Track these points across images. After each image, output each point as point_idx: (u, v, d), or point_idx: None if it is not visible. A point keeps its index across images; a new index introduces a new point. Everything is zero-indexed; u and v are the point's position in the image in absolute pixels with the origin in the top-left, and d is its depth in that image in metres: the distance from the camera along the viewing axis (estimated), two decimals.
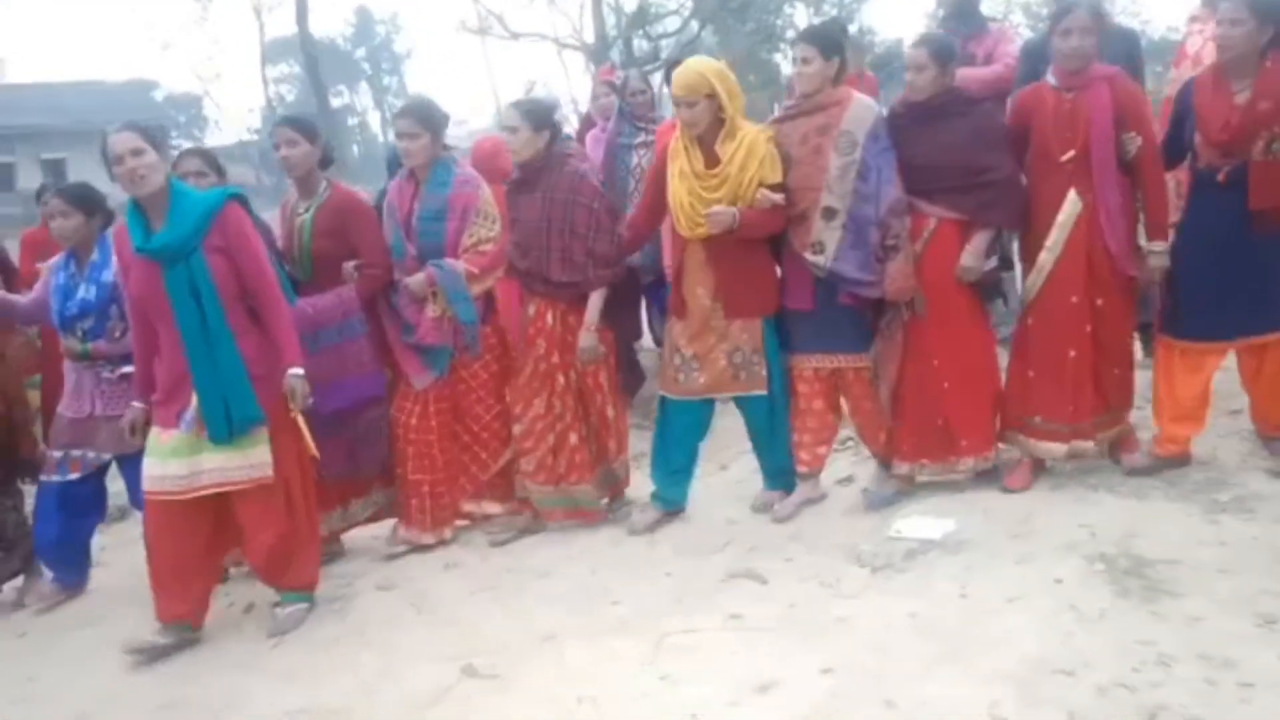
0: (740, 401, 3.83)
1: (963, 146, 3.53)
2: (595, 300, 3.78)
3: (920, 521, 3.61)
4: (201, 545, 3.37)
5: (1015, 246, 3.98)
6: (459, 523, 4.07)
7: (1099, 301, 3.56)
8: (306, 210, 3.80)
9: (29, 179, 26.09)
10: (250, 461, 3.26)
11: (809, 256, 3.58)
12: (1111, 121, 3.45)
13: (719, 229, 3.52)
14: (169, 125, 38.12)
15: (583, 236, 3.73)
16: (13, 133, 28.82)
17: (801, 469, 3.88)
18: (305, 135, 3.79)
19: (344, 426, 3.76)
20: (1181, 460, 3.73)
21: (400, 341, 3.80)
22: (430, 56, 79.11)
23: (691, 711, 2.63)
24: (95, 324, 3.76)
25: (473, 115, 45.70)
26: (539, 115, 3.80)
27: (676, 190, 3.62)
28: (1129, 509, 3.50)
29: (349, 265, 3.78)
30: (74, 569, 3.99)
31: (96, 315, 3.77)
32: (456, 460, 3.94)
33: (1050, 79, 3.60)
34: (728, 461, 4.65)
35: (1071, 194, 3.50)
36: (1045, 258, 3.56)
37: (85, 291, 3.77)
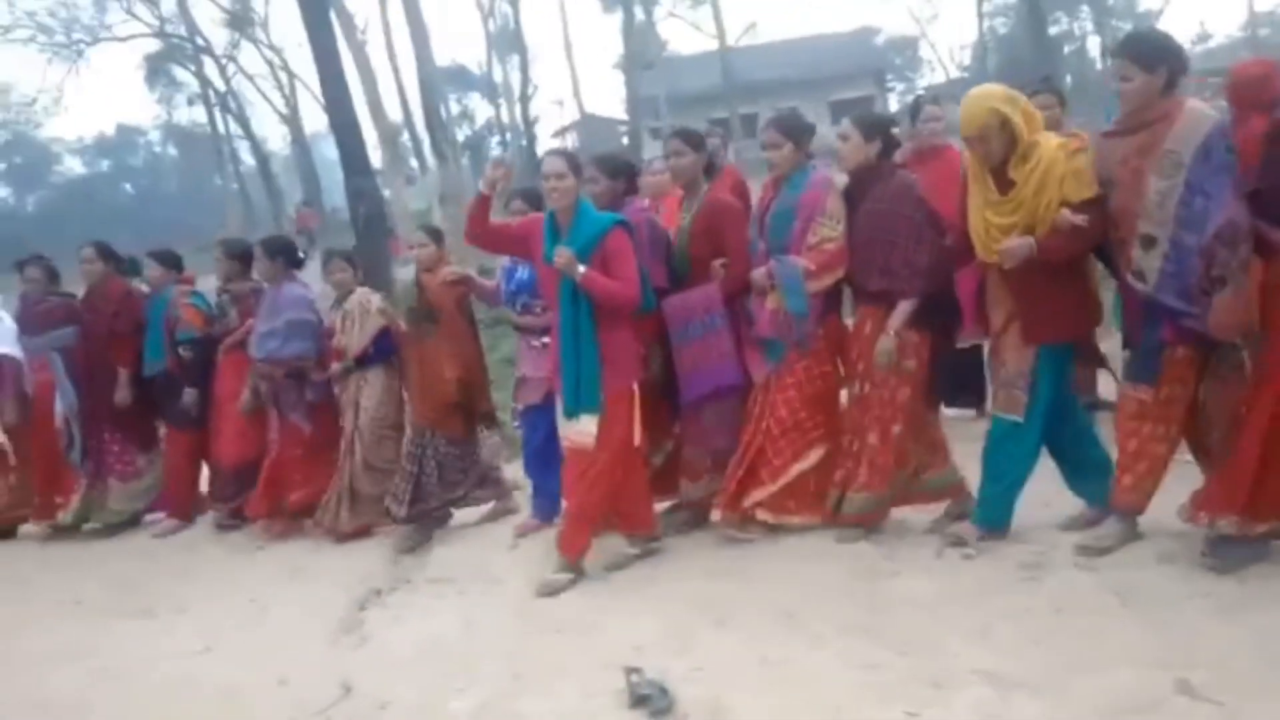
0: (994, 422, 3.68)
1: None
2: (903, 307, 3.70)
3: None
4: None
5: None
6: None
7: None
8: (686, 213, 4.12)
9: None
10: (581, 429, 3.80)
11: (1132, 282, 3.29)
12: None
13: (1014, 262, 3.36)
14: (886, 69, 40.24)
15: (902, 247, 3.69)
16: (757, 87, 33.07)
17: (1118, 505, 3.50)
18: (691, 145, 4.13)
19: (702, 412, 4.08)
20: None
21: (747, 334, 3.94)
22: None
23: None
24: (527, 300, 4.46)
25: (1220, 26, 39.54)
26: (871, 124, 3.81)
27: (973, 216, 3.52)
28: None
29: (716, 264, 4.01)
30: (547, 503, 4.56)
31: (529, 293, 4.44)
32: (762, 450, 3.92)
33: None
34: None
35: None
36: None
37: (521, 271, 4.45)
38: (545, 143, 39.99)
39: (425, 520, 4.75)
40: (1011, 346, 3.54)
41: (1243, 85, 3.86)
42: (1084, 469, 3.73)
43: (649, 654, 3.21)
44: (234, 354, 5.35)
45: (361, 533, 4.92)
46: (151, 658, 3.86)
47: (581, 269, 3.69)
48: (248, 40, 35.25)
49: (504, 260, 4.80)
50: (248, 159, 38.93)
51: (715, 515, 4.18)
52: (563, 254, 3.68)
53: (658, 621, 3.49)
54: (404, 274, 5.08)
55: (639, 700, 2.92)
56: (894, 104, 33.92)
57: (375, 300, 4.92)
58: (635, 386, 3.86)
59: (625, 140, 32.37)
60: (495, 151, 41.65)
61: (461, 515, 4.98)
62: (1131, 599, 3.16)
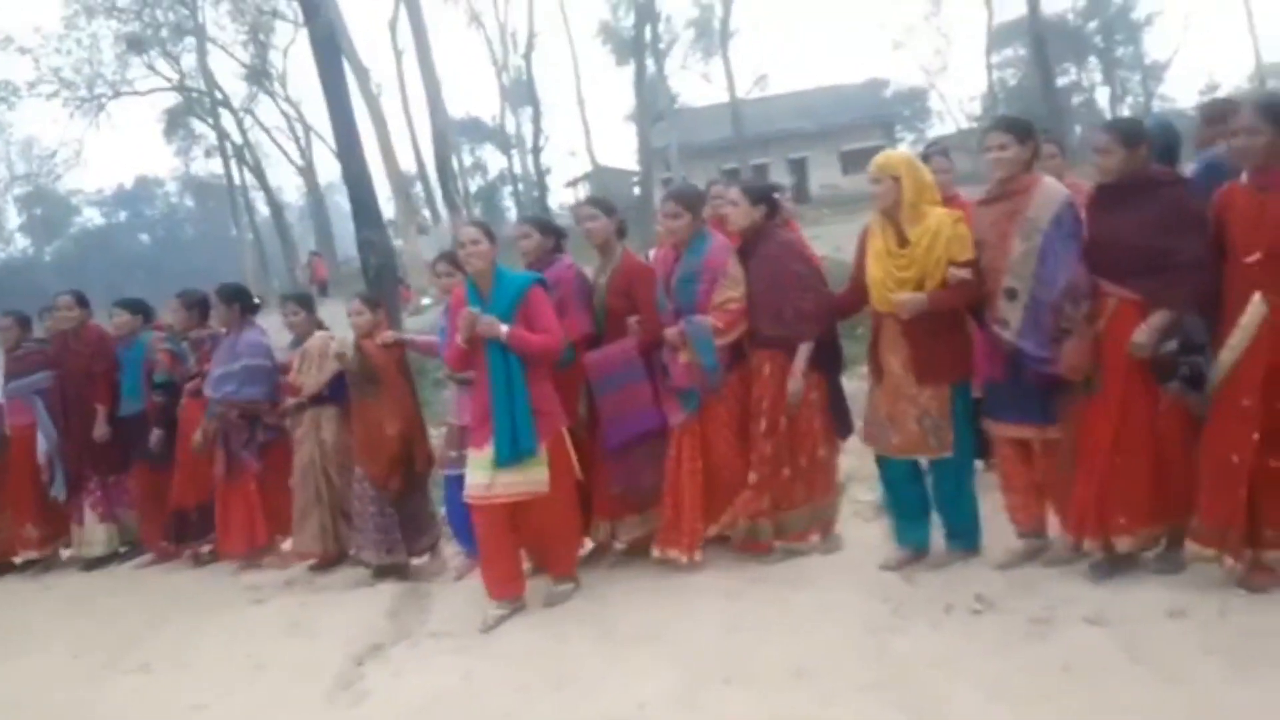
0: (931, 463, 4.03)
1: (1148, 228, 3.46)
2: (802, 350, 4.14)
3: None
4: (510, 536, 4.17)
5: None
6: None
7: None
8: (603, 274, 4.49)
9: (778, 176, 30.16)
10: (531, 479, 4.00)
11: (997, 330, 3.77)
12: None
13: (909, 314, 3.84)
14: (894, 120, 40.63)
15: (791, 297, 4.13)
16: (768, 138, 33.49)
17: (1018, 529, 4.00)
18: (603, 210, 4.51)
19: (627, 454, 4.36)
20: None
21: (663, 384, 4.30)
22: (1171, 20, 69.69)
23: None
24: None
25: (1228, 77, 40.03)
26: (756, 192, 4.33)
27: (872, 269, 3.98)
28: None
29: (631, 320, 4.36)
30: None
31: None
32: (705, 489, 4.28)
33: (1244, 177, 3.40)
34: None
35: (1256, 297, 3.30)
36: (1226, 356, 3.36)
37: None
38: (557, 193, 40.50)
39: (397, 569, 4.97)
40: (919, 391, 3.93)
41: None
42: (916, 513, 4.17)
43: (653, 711, 3.17)
44: (195, 400, 5.61)
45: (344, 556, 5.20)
46: (148, 714, 3.83)
47: (505, 328, 3.97)
48: (265, 94, 35.94)
49: (439, 321, 5.05)
50: (263, 209, 39.43)
51: (655, 551, 4.41)
52: (482, 321, 3.96)
53: (664, 677, 3.44)
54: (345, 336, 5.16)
55: None
56: None
57: (334, 345, 5.06)
58: (565, 430, 4.18)
59: (637, 190, 32.69)
60: (508, 203, 42.13)
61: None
62: (1142, 656, 3.10)
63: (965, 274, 3.80)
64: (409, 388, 5.08)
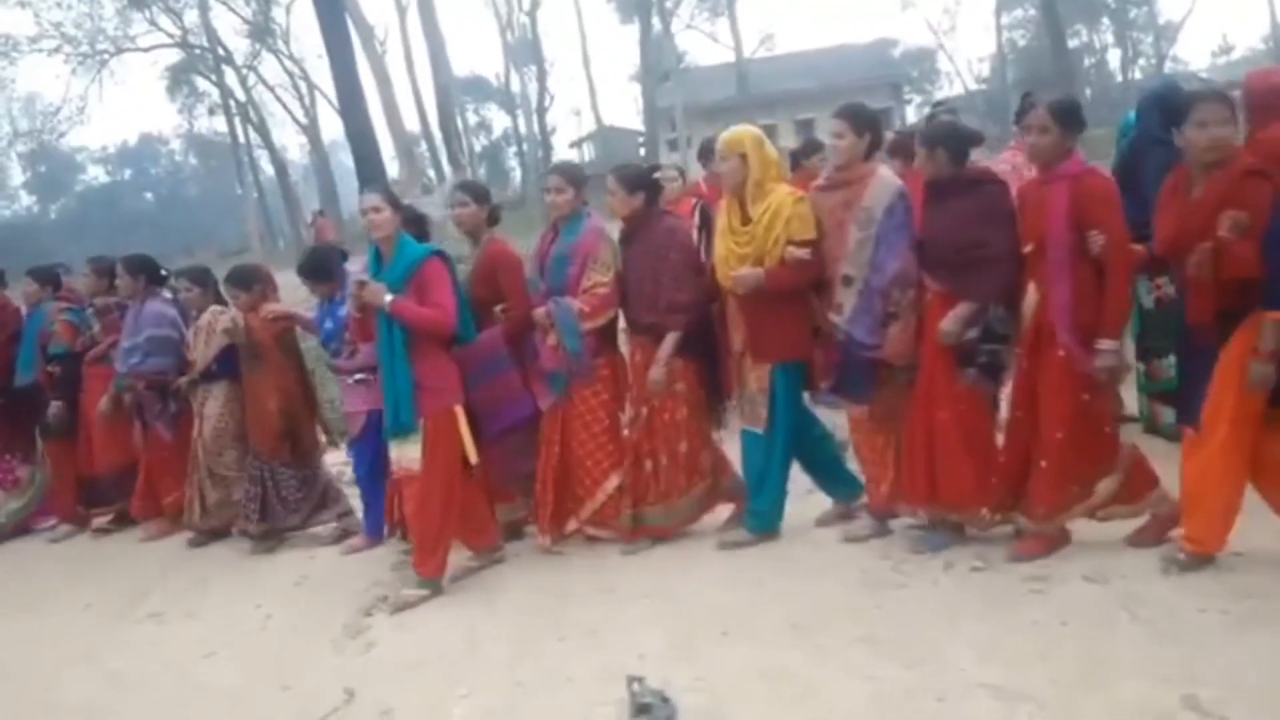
0: (742, 436, 4.16)
1: (959, 223, 3.64)
2: (669, 340, 4.09)
3: None
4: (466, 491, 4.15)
5: None
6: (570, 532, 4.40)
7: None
8: (470, 262, 4.37)
9: (786, 138, 29.88)
10: (408, 456, 3.97)
11: (831, 316, 3.89)
12: (1064, 220, 3.39)
13: (745, 289, 3.91)
14: (902, 80, 40.19)
15: (667, 286, 4.09)
16: (774, 98, 33.14)
17: (870, 506, 4.12)
18: (475, 197, 4.40)
19: (506, 439, 4.30)
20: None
21: (533, 367, 4.24)
22: None
23: None
24: (338, 346, 4.67)
25: (1242, 38, 39.49)
26: (633, 180, 4.21)
27: (717, 247, 4.08)
28: None
29: (497, 309, 4.27)
30: (374, 523, 4.82)
31: (338, 340, 4.66)
32: (567, 475, 4.27)
33: (1034, 171, 3.65)
34: None
35: (1031, 286, 3.56)
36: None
37: (329, 322, 4.71)
38: (562, 153, 40.19)
39: (276, 536, 5.08)
40: (750, 368, 4.04)
41: (1263, 93, 3.89)
42: (829, 472, 4.31)
43: (652, 663, 3.21)
44: (99, 367, 5.57)
45: (222, 531, 5.28)
46: (159, 662, 3.89)
47: (389, 299, 3.88)
48: (268, 51, 35.65)
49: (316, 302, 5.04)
50: (267, 168, 39.30)
51: (539, 538, 4.39)
52: (369, 288, 3.90)
53: (663, 631, 3.49)
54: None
55: (640, 709, 2.91)
56: (911, 115, 33.84)
57: (222, 320, 5.04)
58: (458, 409, 4.03)
59: (642, 151, 32.46)
60: (513, 162, 41.85)
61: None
62: (1139, 613, 3.13)
63: (804, 254, 3.85)
64: (293, 363, 5.15)
